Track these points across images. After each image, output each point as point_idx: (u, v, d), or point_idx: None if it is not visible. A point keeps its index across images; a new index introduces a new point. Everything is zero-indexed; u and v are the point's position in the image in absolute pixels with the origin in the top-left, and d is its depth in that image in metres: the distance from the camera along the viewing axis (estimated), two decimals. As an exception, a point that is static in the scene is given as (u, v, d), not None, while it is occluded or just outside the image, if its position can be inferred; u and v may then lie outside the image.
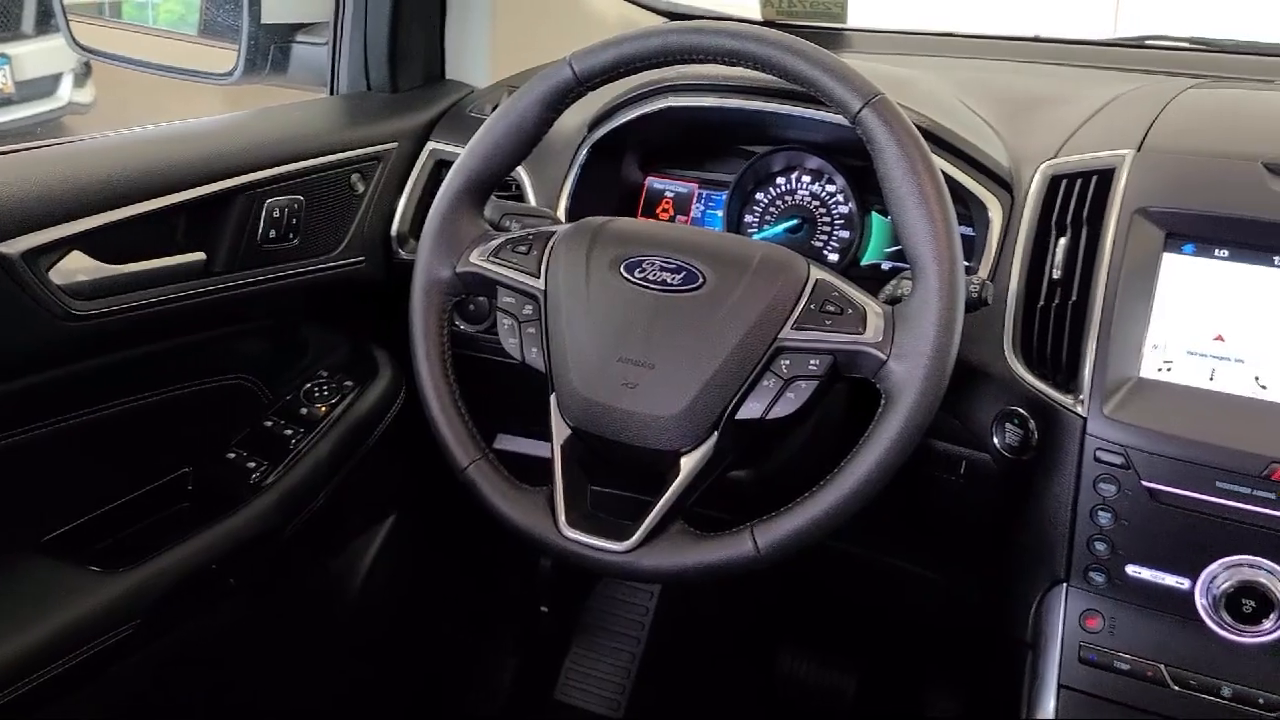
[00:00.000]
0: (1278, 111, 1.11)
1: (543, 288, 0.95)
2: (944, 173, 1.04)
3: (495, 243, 0.98)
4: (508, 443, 1.33)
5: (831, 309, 0.87)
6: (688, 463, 0.88)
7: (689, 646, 1.72)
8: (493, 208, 1.04)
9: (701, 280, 0.91)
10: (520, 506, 0.93)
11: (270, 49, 1.37)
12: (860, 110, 0.87)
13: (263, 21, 1.32)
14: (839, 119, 0.89)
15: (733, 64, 0.92)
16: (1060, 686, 0.98)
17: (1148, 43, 1.50)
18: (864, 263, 1.19)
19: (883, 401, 0.85)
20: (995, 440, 1.00)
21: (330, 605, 1.36)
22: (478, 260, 0.97)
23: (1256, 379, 0.92)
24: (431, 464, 0.99)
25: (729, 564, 0.86)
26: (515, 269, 0.96)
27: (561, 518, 0.90)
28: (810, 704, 1.65)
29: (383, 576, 1.40)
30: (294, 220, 1.14)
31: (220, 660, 1.20)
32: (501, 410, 1.17)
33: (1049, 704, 0.98)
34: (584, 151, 1.22)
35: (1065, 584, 0.99)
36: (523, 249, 0.97)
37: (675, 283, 0.91)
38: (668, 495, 0.88)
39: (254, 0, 1.29)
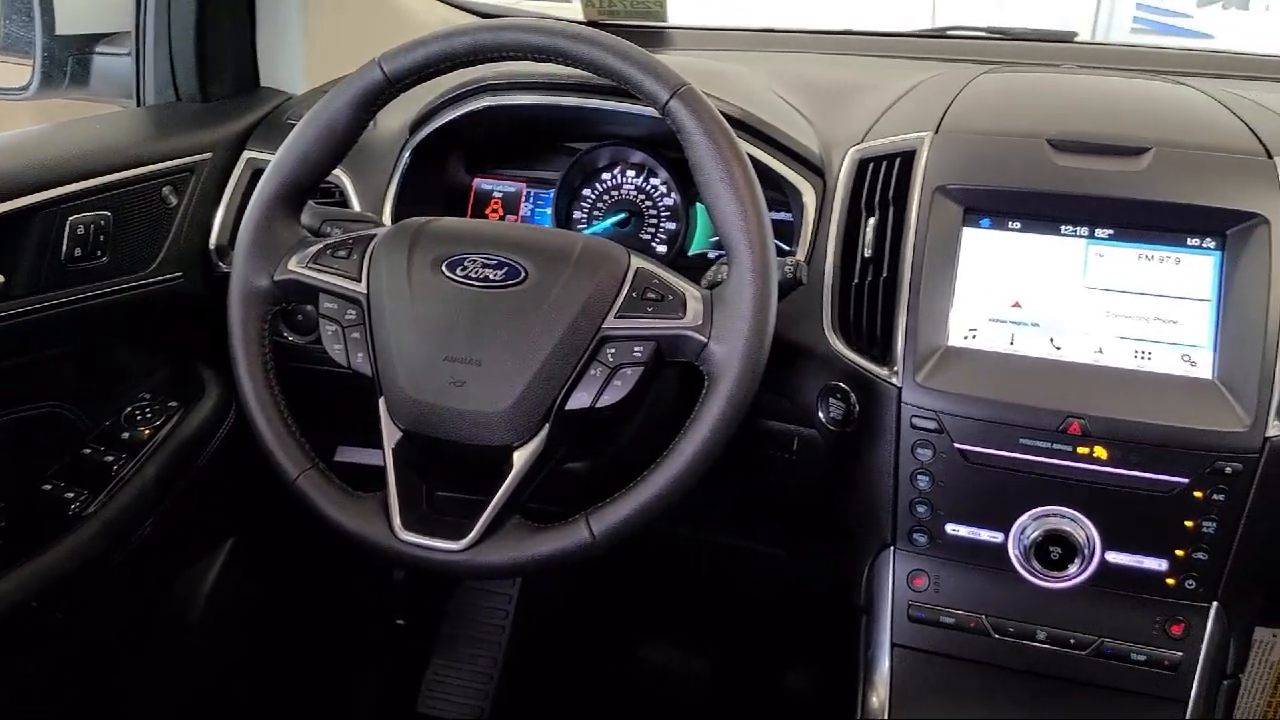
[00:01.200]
0: (1061, 92, 1.19)
1: (365, 291, 0.94)
2: (758, 160, 1.09)
3: (314, 249, 0.96)
4: (350, 454, 1.30)
5: (652, 296, 0.89)
6: (520, 457, 0.88)
7: (549, 646, 1.72)
8: (311, 214, 1.02)
9: (524, 275, 0.91)
10: (353, 513, 0.91)
11: (68, 61, 1.30)
12: (668, 101, 0.89)
13: (57, 32, 1.26)
14: (655, 112, 0.91)
15: (543, 60, 0.93)
16: (893, 645, 1.03)
17: (949, 33, 1.58)
18: (691, 252, 1.22)
19: (706, 383, 0.87)
20: (821, 415, 1.04)
21: (172, 634, 1.31)
22: (296, 267, 0.96)
23: (1051, 340, 0.99)
24: (268, 481, 0.96)
25: (566, 553, 0.87)
26: (335, 274, 0.95)
27: (396, 521, 0.89)
28: (671, 690, 1.67)
29: (226, 600, 1.35)
30: (101, 237, 1.09)
31: (57, 698, 1.14)
32: (340, 422, 1.15)
33: (884, 664, 1.03)
34: (407, 154, 1.21)
35: (892, 547, 1.03)
36: (342, 253, 0.96)
37: (498, 279, 0.91)
38: (502, 490, 0.88)
39: (46, 10, 1.23)
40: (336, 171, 1.17)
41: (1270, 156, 0.99)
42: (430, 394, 0.89)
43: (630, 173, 1.24)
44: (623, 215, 1.23)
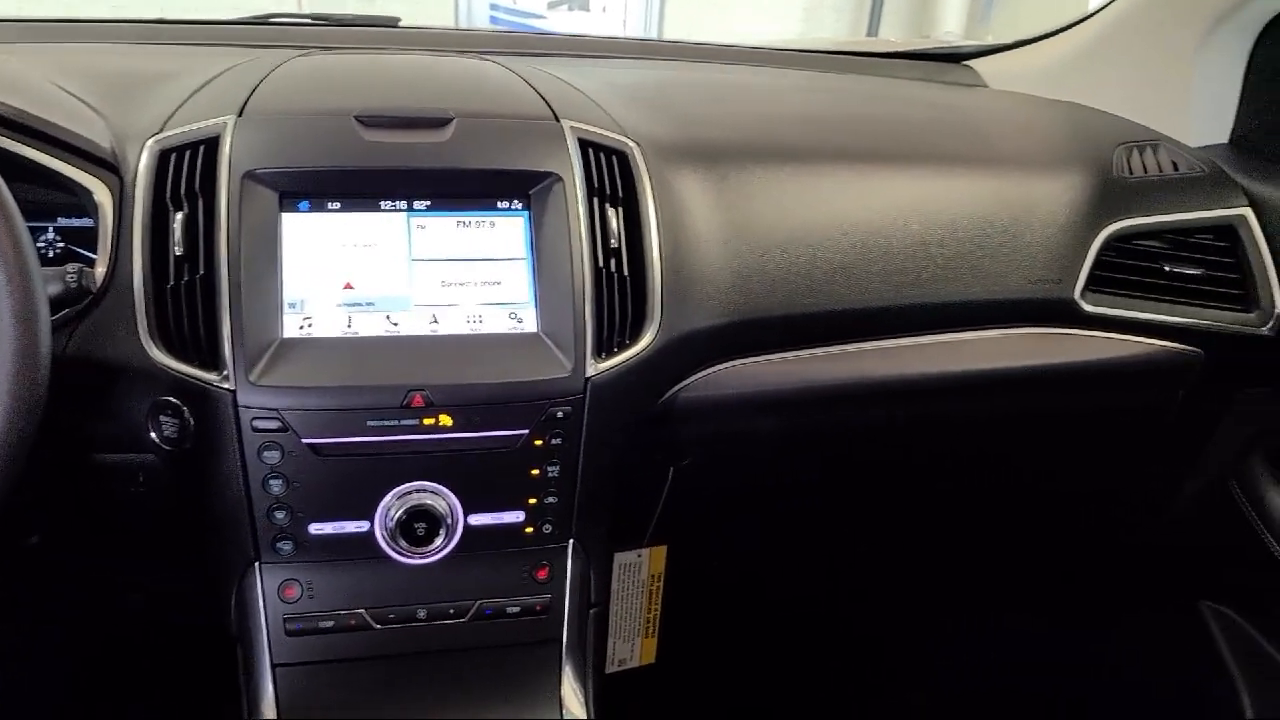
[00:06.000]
0: (371, 71, 1.18)
1: None
2: (34, 161, 0.94)
3: None
4: None
5: None
6: None
7: None
8: None
9: None
10: None
11: None
12: None
13: None
14: None
15: None
16: (274, 666, 0.96)
17: (271, 20, 1.52)
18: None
19: None
20: (153, 436, 0.93)
21: None
22: None
23: (388, 318, 0.97)
24: None
25: None
26: None
27: None
28: None
29: None
30: None
31: None
32: None
33: (268, 690, 0.95)
34: None
35: (258, 563, 0.96)
36: None
37: None
38: None
39: None
40: None
41: (559, 120, 1.06)
42: None
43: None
44: None
